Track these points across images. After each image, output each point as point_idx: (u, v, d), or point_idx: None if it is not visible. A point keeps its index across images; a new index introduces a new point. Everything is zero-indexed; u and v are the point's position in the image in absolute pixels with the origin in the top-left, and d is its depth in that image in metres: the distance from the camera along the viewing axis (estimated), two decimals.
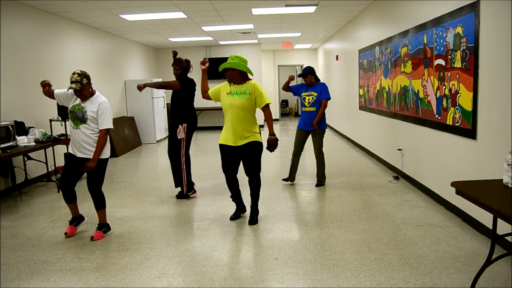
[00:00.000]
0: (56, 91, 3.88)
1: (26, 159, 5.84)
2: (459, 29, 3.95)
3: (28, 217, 4.66)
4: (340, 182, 5.71)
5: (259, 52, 13.37)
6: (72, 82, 3.63)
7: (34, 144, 5.42)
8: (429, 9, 4.68)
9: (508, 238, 3.23)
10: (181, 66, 4.99)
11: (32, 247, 3.76)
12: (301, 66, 16.35)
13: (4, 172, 5.64)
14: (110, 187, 5.95)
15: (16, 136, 5.30)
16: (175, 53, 5.02)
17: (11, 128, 5.19)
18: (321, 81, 5.48)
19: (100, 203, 3.99)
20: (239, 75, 3.96)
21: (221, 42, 12.51)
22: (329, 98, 5.36)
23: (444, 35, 4.26)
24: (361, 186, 5.52)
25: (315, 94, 5.32)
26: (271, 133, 4.04)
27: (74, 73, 3.66)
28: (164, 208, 4.83)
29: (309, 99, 5.33)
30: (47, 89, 3.85)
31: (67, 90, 3.79)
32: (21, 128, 5.61)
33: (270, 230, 3.99)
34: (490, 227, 3.17)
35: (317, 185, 5.54)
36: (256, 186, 4.19)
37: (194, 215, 4.61)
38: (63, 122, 6.23)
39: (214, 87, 4.20)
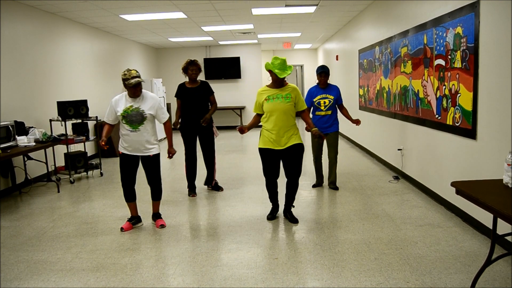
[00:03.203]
0: (108, 121, 3.99)
1: (26, 159, 5.84)
2: (459, 29, 3.95)
3: (28, 217, 4.66)
4: (340, 182, 5.70)
5: (259, 52, 13.37)
6: (133, 78, 3.73)
7: (34, 144, 5.42)
8: (429, 9, 4.67)
9: (508, 238, 3.23)
10: (198, 67, 5.08)
11: (32, 247, 3.76)
12: (301, 66, 16.38)
13: (4, 172, 5.64)
14: (110, 187, 5.96)
15: (16, 136, 5.30)
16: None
17: (11, 128, 5.19)
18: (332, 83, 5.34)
19: (160, 194, 4.24)
20: (284, 80, 3.99)
21: (221, 42, 12.51)
22: None
23: (444, 35, 4.26)
24: (361, 186, 5.52)
25: (332, 97, 5.14)
26: (313, 126, 4.14)
27: (130, 70, 3.78)
28: (164, 208, 4.82)
29: (325, 102, 5.13)
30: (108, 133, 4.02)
31: (126, 90, 3.88)
32: (21, 128, 5.61)
33: (270, 230, 3.99)
34: (490, 227, 3.16)
35: (334, 188, 5.37)
36: (295, 188, 4.16)
37: (194, 215, 4.60)
38: (63, 122, 6.23)
39: (255, 104, 4.09)
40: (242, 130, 4.05)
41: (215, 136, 5.31)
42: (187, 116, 5.13)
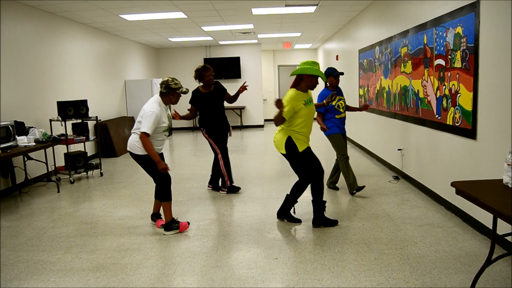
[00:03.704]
0: (150, 131, 3.69)
1: (26, 159, 5.84)
2: (459, 29, 3.95)
3: (28, 217, 4.66)
4: (340, 182, 5.69)
5: (259, 52, 13.37)
6: (182, 87, 3.85)
7: (34, 144, 5.42)
8: (429, 9, 4.68)
9: (508, 238, 3.23)
10: (212, 70, 5.13)
11: (32, 247, 3.76)
12: None
13: (4, 172, 5.64)
14: (110, 187, 5.96)
15: (16, 136, 5.30)
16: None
17: (11, 128, 5.19)
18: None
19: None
20: None
21: (221, 42, 12.51)
22: None
23: (444, 35, 4.26)
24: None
25: (344, 98, 5.13)
26: (323, 102, 4.55)
27: (174, 78, 3.82)
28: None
29: (342, 104, 5.05)
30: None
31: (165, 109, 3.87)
32: (21, 128, 5.61)
33: (270, 230, 3.99)
34: (490, 227, 3.17)
35: (334, 188, 5.35)
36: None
37: (194, 215, 4.60)
38: (63, 122, 6.23)
39: (288, 108, 3.73)
40: (280, 103, 3.63)
41: (229, 135, 5.42)
42: (209, 118, 5.19)
